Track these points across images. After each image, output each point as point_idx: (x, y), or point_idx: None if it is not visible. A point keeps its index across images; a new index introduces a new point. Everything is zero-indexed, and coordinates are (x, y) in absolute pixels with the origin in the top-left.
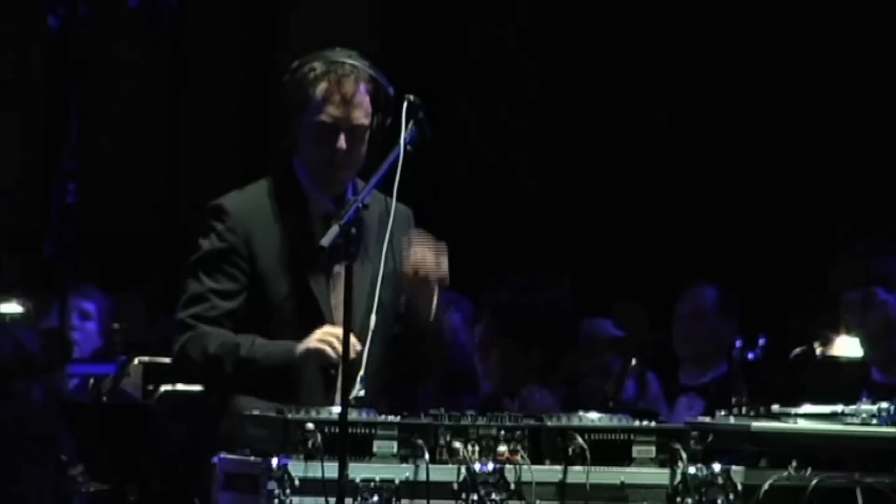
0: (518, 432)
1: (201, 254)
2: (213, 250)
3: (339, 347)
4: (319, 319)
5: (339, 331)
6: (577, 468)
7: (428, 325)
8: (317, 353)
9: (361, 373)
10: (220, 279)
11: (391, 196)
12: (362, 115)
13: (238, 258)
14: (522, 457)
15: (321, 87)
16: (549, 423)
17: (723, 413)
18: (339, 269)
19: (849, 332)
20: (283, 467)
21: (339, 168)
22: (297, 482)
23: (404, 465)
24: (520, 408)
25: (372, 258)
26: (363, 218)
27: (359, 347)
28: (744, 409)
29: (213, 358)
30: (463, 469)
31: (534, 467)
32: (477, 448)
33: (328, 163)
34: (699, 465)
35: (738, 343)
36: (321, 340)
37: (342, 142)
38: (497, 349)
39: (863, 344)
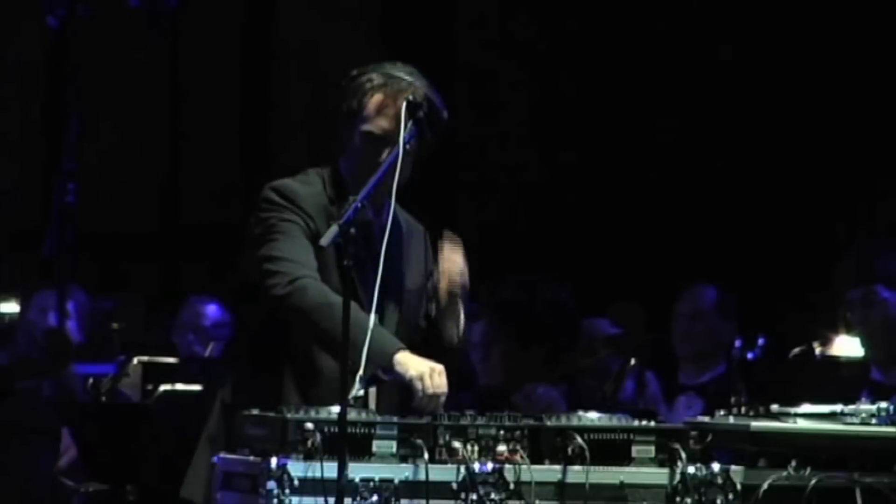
0: (517, 432)
1: (272, 223)
2: (287, 219)
3: (426, 389)
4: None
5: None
6: (577, 468)
7: (453, 341)
8: (409, 378)
9: (361, 373)
10: (303, 241)
11: (390, 195)
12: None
13: (309, 234)
14: (522, 456)
15: (376, 98)
16: (548, 423)
17: (722, 413)
18: (371, 276)
19: (849, 331)
20: (282, 467)
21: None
22: (296, 482)
23: (403, 464)
24: (525, 405)
25: (396, 269)
26: (393, 233)
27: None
28: (743, 409)
29: (320, 306)
30: (462, 469)
31: (533, 467)
32: (476, 448)
33: (371, 172)
34: (698, 465)
35: (738, 343)
36: (423, 373)
37: (386, 155)
38: (499, 347)
39: (863, 343)
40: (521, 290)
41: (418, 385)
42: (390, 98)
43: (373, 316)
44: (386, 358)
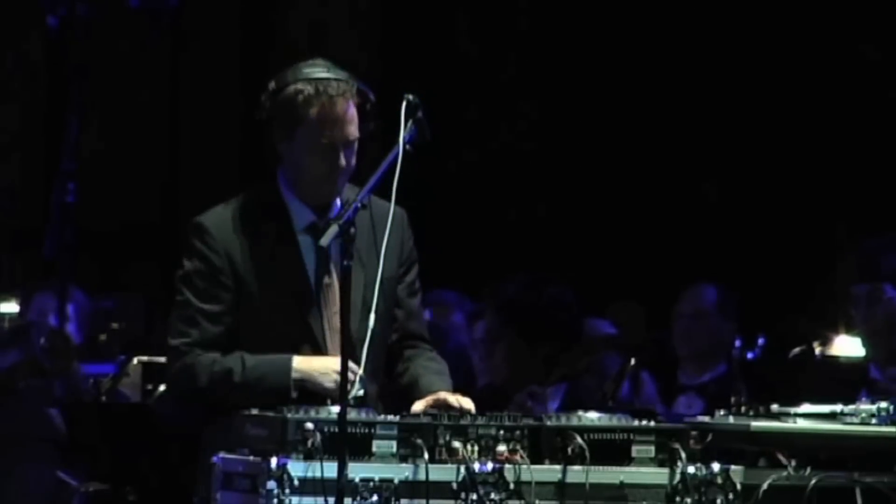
0: (517, 432)
1: (186, 273)
2: (198, 270)
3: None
4: (309, 330)
5: (337, 366)
6: (577, 468)
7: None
8: (312, 382)
9: (360, 373)
10: (206, 300)
11: (389, 197)
12: (356, 130)
13: (223, 277)
14: (522, 456)
15: (314, 110)
16: (548, 423)
17: (722, 413)
18: (329, 279)
19: (848, 330)
20: (282, 467)
21: (337, 182)
22: (296, 482)
23: (403, 464)
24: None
25: (365, 261)
26: (367, 220)
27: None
28: (743, 409)
29: (205, 389)
30: (462, 469)
31: (533, 467)
32: (476, 448)
33: (328, 179)
34: (698, 465)
35: (738, 343)
36: (321, 373)
37: (342, 159)
38: (503, 344)
39: (863, 341)
40: (526, 287)
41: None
42: (328, 106)
43: (372, 316)
44: (285, 376)
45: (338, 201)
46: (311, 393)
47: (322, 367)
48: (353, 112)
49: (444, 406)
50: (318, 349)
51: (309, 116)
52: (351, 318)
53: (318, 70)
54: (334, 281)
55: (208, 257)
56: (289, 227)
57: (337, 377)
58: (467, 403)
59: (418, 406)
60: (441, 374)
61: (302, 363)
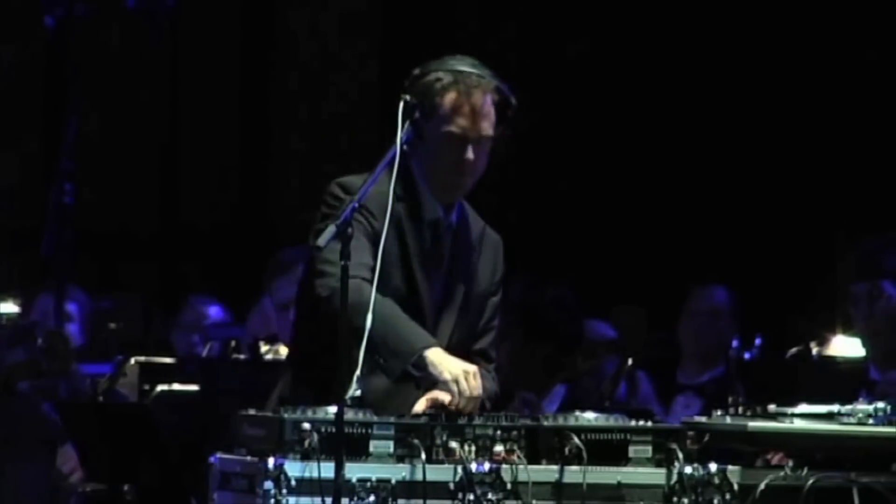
0: (514, 432)
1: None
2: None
3: (463, 392)
4: (421, 319)
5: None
6: (574, 468)
7: None
8: (443, 380)
9: (358, 373)
10: (363, 228)
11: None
12: (489, 127)
13: (371, 232)
14: (519, 457)
15: (450, 98)
16: (545, 424)
17: (719, 413)
18: (433, 275)
19: (846, 331)
20: (279, 467)
21: (465, 177)
22: (293, 482)
23: (401, 464)
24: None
25: (467, 271)
26: (461, 233)
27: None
28: (740, 409)
29: (352, 303)
30: (459, 469)
31: (530, 467)
32: (473, 448)
33: (454, 171)
34: (695, 465)
35: (735, 343)
36: (457, 375)
37: (470, 153)
38: (507, 344)
39: (863, 339)
40: (530, 289)
41: (454, 388)
42: (464, 96)
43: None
44: (413, 355)
45: (457, 205)
46: (418, 381)
47: (454, 364)
48: (489, 108)
49: (440, 406)
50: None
51: (444, 104)
52: (437, 321)
53: (463, 64)
54: (434, 282)
55: (358, 209)
56: (418, 215)
57: (462, 379)
58: (475, 387)
59: (417, 406)
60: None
61: (440, 352)
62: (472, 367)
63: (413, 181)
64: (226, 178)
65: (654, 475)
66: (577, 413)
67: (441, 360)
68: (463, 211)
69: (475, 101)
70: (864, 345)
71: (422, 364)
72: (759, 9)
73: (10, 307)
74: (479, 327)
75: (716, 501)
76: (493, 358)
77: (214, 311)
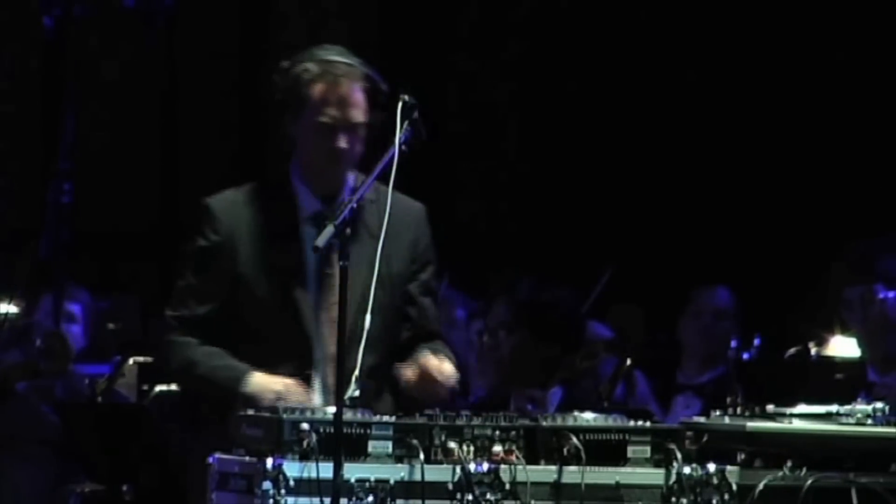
0: (513, 432)
1: (189, 249)
2: (199, 248)
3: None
4: (299, 321)
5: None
6: (573, 468)
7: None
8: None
9: (356, 373)
10: (201, 278)
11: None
12: (360, 114)
13: (222, 260)
14: (517, 457)
15: (318, 88)
16: (543, 424)
17: (718, 413)
18: (331, 270)
19: (844, 331)
20: (277, 467)
21: (339, 165)
22: (291, 482)
23: (399, 465)
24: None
25: (370, 256)
26: (363, 215)
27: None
28: (739, 409)
29: (172, 371)
30: (458, 469)
31: (529, 467)
32: (472, 448)
33: (328, 160)
34: (694, 466)
35: (734, 343)
36: (280, 393)
37: (342, 141)
38: (512, 339)
39: (860, 342)
40: (540, 288)
41: (282, 404)
42: (332, 85)
43: (367, 316)
44: (235, 393)
45: (348, 190)
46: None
47: (268, 385)
48: (358, 96)
49: (427, 375)
50: (307, 340)
51: (313, 95)
52: (348, 314)
53: (329, 53)
54: (335, 272)
55: (210, 238)
56: (294, 215)
57: (272, 396)
58: (448, 369)
59: (406, 373)
60: (438, 352)
61: (257, 379)
62: (289, 381)
63: (288, 181)
64: (225, 178)
65: (652, 475)
66: (576, 413)
67: (259, 387)
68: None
69: (343, 91)
70: (861, 347)
71: (247, 394)
72: (762, 13)
73: (9, 307)
74: (409, 310)
75: (714, 501)
76: (445, 337)
77: None
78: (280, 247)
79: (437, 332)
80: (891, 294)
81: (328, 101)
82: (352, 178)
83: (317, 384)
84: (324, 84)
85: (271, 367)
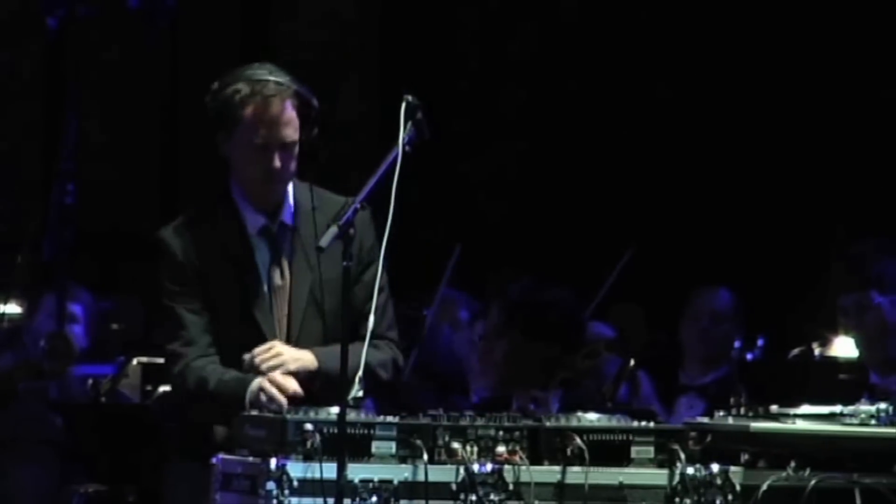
0: (516, 433)
1: (161, 286)
2: (169, 279)
3: (285, 390)
4: (259, 334)
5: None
6: (576, 469)
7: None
8: (262, 399)
9: (360, 373)
10: (185, 300)
11: (389, 199)
12: (292, 132)
13: (192, 280)
14: (521, 457)
15: (249, 110)
16: (547, 424)
17: (721, 413)
18: (282, 282)
19: (847, 332)
20: (281, 468)
21: (275, 184)
22: (295, 483)
23: (403, 465)
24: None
25: (312, 263)
26: (305, 225)
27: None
28: (742, 410)
29: (191, 393)
30: (461, 469)
31: (532, 468)
32: (475, 448)
33: (263, 181)
34: (698, 466)
35: (737, 343)
36: (267, 387)
37: (277, 161)
38: (504, 342)
39: (859, 347)
40: (531, 288)
41: (268, 392)
42: (262, 106)
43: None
44: (242, 389)
45: (290, 204)
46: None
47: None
48: (290, 114)
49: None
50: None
51: (244, 116)
52: (302, 318)
53: (259, 72)
54: (287, 283)
55: (173, 266)
56: (242, 230)
57: (263, 397)
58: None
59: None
60: (331, 349)
61: (262, 382)
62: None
63: (231, 200)
64: (226, 178)
65: (656, 476)
66: (580, 414)
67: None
68: (302, 202)
69: (274, 111)
70: (860, 352)
71: (254, 394)
72: (764, 17)
73: (11, 307)
74: (353, 307)
75: (718, 502)
76: (394, 337)
77: None
78: (233, 263)
79: (382, 334)
80: (885, 300)
81: (260, 122)
82: (290, 188)
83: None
84: (254, 105)
85: None
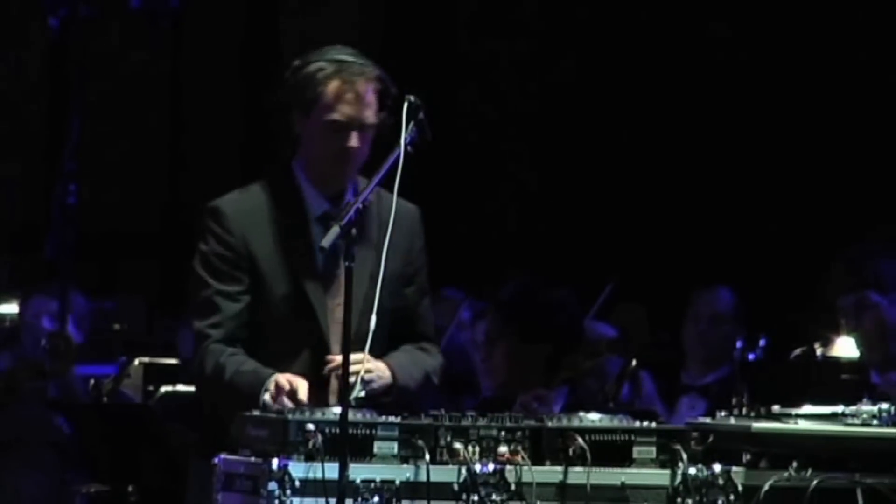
0: (518, 433)
1: (204, 255)
2: (215, 253)
3: (299, 397)
4: (314, 321)
5: (300, 383)
6: (578, 469)
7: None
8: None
9: (362, 374)
10: (225, 281)
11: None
12: (372, 115)
13: (240, 260)
14: (523, 457)
15: (333, 86)
16: (549, 424)
17: (723, 414)
18: (338, 271)
19: (849, 332)
20: (283, 468)
21: (348, 164)
22: (297, 483)
23: (405, 465)
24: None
25: (370, 258)
26: (364, 217)
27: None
28: (744, 410)
29: (205, 378)
30: (463, 470)
31: (534, 468)
32: (477, 449)
33: (338, 160)
34: (700, 466)
35: (739, 344)
36: (281, 389)
37: (354, 140)
38: (502, 345)
39: (859, 347)
40: (526, 289)
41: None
42: (347, 83)
43: (373, 317)
44: (259, 388)
45: (351, 190)
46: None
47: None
48: (371, 97)
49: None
50: (322, 339)
51: (326, 92)
52: (353, 315)
53: (342, 53)
54: (341, 273)
55: (226, 240)
56: (303, 215)
57: (266, 395)
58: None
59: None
60: (401, 359)
61: (279, 379)
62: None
63: (294, 181)
64: (228, 178)
65: (658, 476)
66: (581, 414)
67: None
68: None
69: (359, 89)
70: (861, 352)
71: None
72: (765, 18)
73: (12, 308)
74: (404, 308)
75: (720, 502)
76: (435, 339)
77: None
78: (292, 246)
79: (426, 334)
80: (884, 300)
81: (343, 99)
82: (355, 179)
83: (333, 384)
84: (339, 82)
85: (286, 367)
